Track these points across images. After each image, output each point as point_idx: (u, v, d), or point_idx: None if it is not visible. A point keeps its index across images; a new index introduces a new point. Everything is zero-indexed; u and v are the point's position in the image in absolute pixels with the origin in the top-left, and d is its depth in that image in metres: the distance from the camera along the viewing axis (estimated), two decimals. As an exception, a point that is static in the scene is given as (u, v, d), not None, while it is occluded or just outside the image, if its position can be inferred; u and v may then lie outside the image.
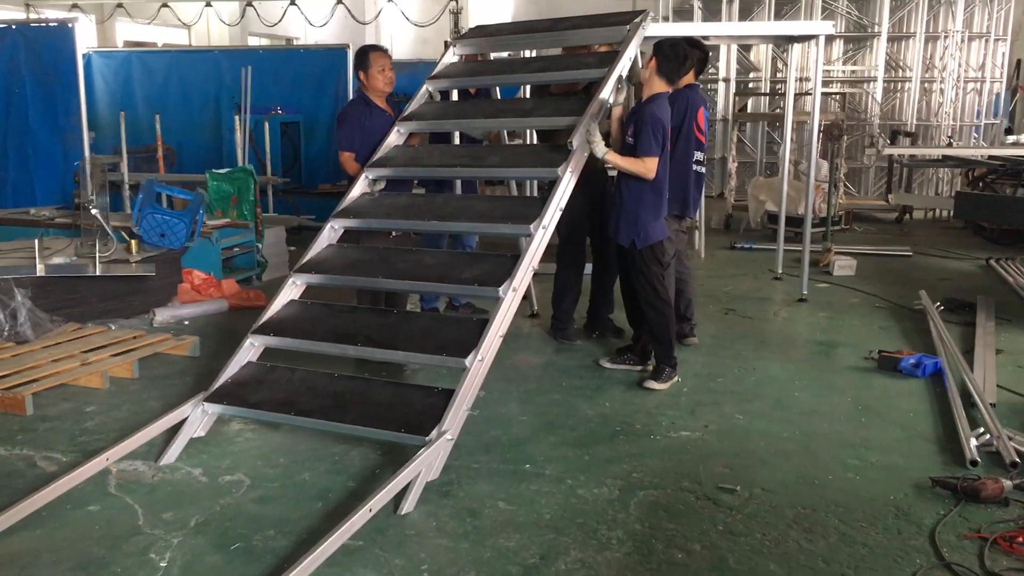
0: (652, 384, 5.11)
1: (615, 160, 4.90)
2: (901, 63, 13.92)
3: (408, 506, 3.61)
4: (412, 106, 5.64)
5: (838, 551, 3.31)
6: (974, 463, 3.99)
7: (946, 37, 13.45)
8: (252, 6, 14.33)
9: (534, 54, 6.88)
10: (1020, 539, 3.33)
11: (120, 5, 13.56)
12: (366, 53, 5.64)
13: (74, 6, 13.31)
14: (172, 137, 10.95)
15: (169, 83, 11.86)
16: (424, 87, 5.78)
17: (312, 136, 11.57)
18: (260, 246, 7.98)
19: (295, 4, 13.54)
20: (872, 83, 13.79)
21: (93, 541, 3.39)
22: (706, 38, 7.42)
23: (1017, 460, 3.95)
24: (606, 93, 4.98)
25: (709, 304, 7.12)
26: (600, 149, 4.81)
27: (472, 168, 5.43)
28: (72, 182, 8.47)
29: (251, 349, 4.56)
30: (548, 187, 4.86)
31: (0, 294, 5.62)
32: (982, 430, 4.29)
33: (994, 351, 5.72)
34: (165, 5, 13.73)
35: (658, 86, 4.97)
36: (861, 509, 3.64)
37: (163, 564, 3.22)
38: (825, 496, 3.76)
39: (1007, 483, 3.71)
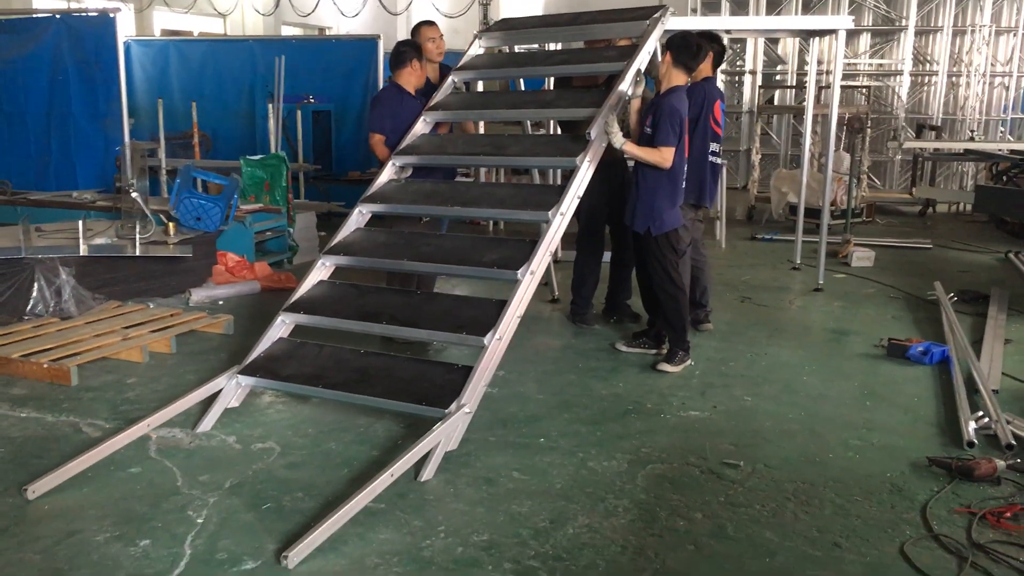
0: (665, 367, 5.31)
1: (633, 150, 5.09)
2: (928, 57, 13.94)
3: (428, 474, 3.83)
4: (439, 96, 5.86)
5: (832, 522, 3.50)
6: (971, 444, 4.16)
7: (973, 31, 13.46)
8: (286, -4, 14.59)
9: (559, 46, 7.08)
10: (1008, 514, 3.50)
11: (158, -6, 13.85)
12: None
13: (114, -5, 13.62)
14: (207, 124, 11.22)
15: (205, 71, 12.15)
16: (450, 78, 6.00)
17: (343, 125, 11.81)
18: (291, 231, 8.25)
19: (327, -6, 13.77)
20: (898, 76, 13.82)
21: (135, 499, 3.65)
22: (728, 31, 7.59)
23: (1013, 442, 4.10)
24: (625, 85, 5.17)
25: (727, 292, 7.29)
26: (618, 140, 5.00)
27: (494, 157, 5.65)
28: (112, 167, 8.78)
29: (282, 326, 4.81)
30: (569, 176, 5.06)
31: (46, 272, 5.92)
32: (981, 414, 4.45)
33: (1003, 341, 5.86)
34: (202, -6, 13.99)
35: (676, 78, 5.15)
36: (858, 485, 3.82)
37: (200, 520, 3.47)
38: (825, 473, 3.95)
39: (1000, 463, 3.88)
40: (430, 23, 6.31)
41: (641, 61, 5.30)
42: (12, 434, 4.30)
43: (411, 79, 5.83)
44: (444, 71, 6.25)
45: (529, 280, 4.48)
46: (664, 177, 5.12)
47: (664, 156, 5.03)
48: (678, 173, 5.17)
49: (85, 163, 8.97)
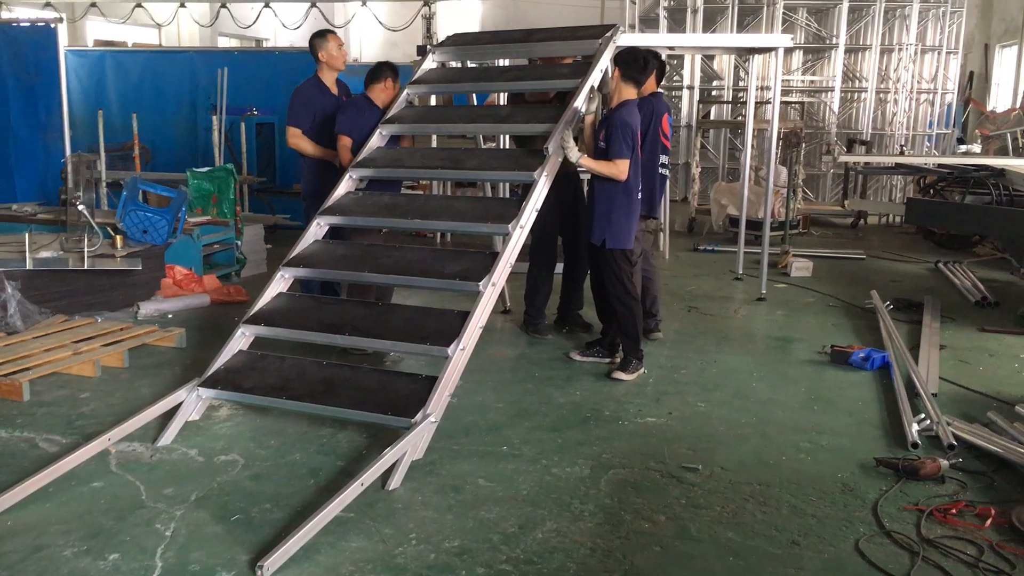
0: (620, 375, 5.42)
1: (589, 164, 5.21)
2: (857, 74, 14.41)
3: (395, 482, 3.88)
4: (394, 110, 5.91)
5: (789, 521, 3.64)
6: (915, 445, 4.35)
7: (900, 50, 13.95)
8: (226, 7, 14.46)
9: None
10: (953, 511, 3.68)
11: (94, 4, 13.63)
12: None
13: (47, 4, 13.37)
14: (146, 136, 11.04)
15: (143, 83, 11.99)
16: (404, 92, 6.05)
17: (286, 137, 11.71)
18: (239, 243, 8.19)
19: (269, 6, 13.70)
20: (830, 93, 14.26)
21: (100, 513, 3.62)
22: (672, 48, 7.79)
23: (954, 443, 4.30)
24: (580, 102, 5.29)
25: (673, 302, 7.45)
26: (574, 154, 5.12)
27: (451, 170, 5.72)
28: (53, 178, 8.62)
29: (242, 338, 4.80)
30: (522, 189, 5.16)
31: (-9, 286, 5.80)
32: (923, 416, 4.66)
33: (938, 347, 6.10)
34: (139, 5, 13.80)
35: (626, 93, 5.29)
36: (811, 485, 3.97)
37: (168, 533, 3.47)
38: (779, 474, 4.09)
39: (944, 463, 4.07)
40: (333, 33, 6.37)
41: (595, 78, 5.42)
42: (-34, 451, 4.23)
43: (382, 95, 5.94)
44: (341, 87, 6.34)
45: (490, 292, 4.57)
46: (619, 190, 5.24)
47: (619, 168, 5.16)
48: (633, 186, 5.30)
49: (25, 175, 8.79)
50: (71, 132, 9.54)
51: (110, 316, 6.49)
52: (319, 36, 6.23)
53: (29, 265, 6.10)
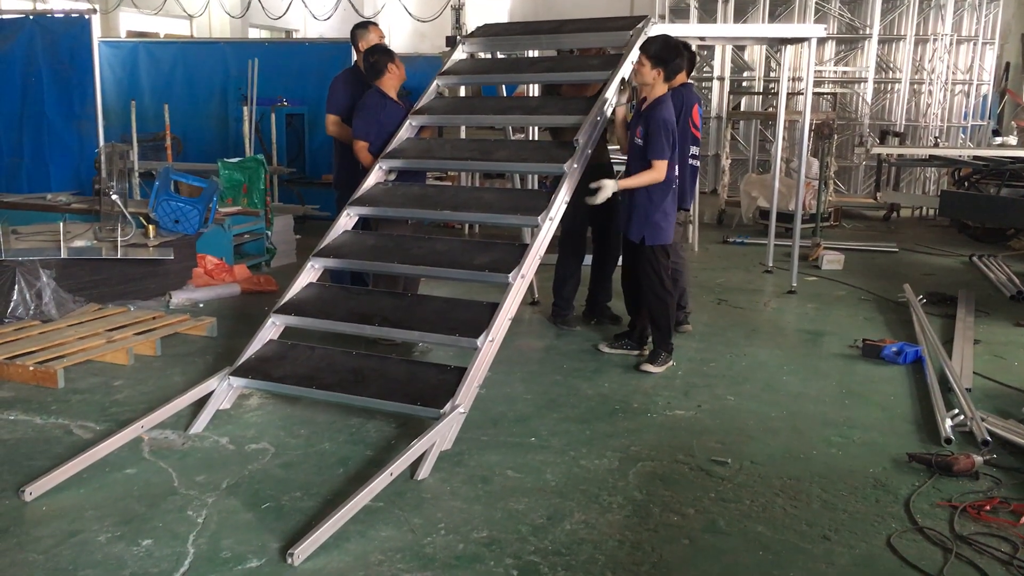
0: (649, 367, 5.40)
1: (628, 184, 5.20)
2: (891, 64, 14.24)
3: (424, 473, 3.89)
4: (423, 101, 5.91)
5: (820, 516, 3.61)
6: (948, 441, 4.30)
7: (935, 40, 13.77)
8: (257, -2, 14.55)
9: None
10: (988, 507, 3.63)
11: (127, -5, 13.74)
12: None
13: (81, -5, 13.50)
14: (177, 126, 11.09)
15: (175, 73, 12.08)
16: (434, 83, 6.05)
17: (316, 128, 11.77)
18: (269, 234, 8.24)
19: (300, -3, 13.75)
20: (863, 84, 14.10)
21: (133, 499, 3.66)
22: (703, 39, 7.73)
23: (988, 439, 4.24)
24: (610, 93, 5.26)
25: (702, 295, 7.41)
26: (611, 185, 5.11)
27: (481, 161, 5.71)
28: (86, 168, 8.71)
29: (273, 328, 4.83)
30: (551, 180, 5.15)
31: (26, 274, 5.87)
32: (957, 411, 4.60)
33: (972, 341, 6.03)
34: (172, -4, 13.90)
35: (660, 88, 5.24)
36: (842, 480, 3.94)
37: (200, 520, 3.50)
38: (810, 469, 4.06)
39: (978, 459, 4.02)
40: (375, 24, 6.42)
41: (625, 70, 5.39)
42: (3, 436, 4.29)
43: (392, 82, 5.88)
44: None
45: (520, 284, 4.56)
46: (658, 187, 5.20)
47: (658, 171, 5.12)
48: (670, 184, 5.26)
49: (59, 165, 8.89)
50: (104, 122, 9.63)
51: (142, 305, 6.56)
52: (361, 27, 6.27)
53: (63, 254, 6.16)
